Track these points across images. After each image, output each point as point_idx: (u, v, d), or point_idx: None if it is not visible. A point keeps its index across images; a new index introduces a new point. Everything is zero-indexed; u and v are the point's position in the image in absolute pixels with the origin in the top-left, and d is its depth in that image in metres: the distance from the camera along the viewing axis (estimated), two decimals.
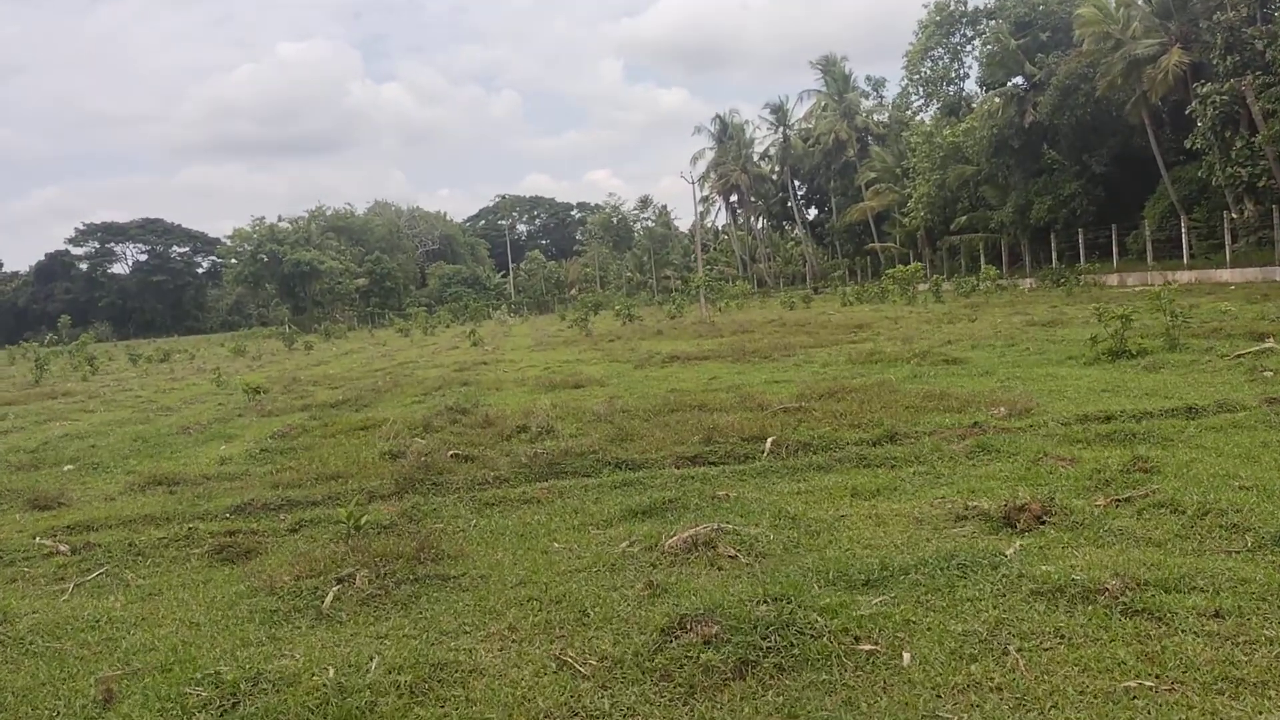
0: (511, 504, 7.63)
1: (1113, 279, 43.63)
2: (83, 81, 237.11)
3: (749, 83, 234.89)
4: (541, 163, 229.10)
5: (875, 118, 78.32)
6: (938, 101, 68.21)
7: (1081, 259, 47.77)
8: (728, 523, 6.15)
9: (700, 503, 7.08)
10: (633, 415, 11.77)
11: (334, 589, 5.45)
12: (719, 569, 5.38)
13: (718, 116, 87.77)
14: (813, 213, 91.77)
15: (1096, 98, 45.44)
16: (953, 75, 67.55)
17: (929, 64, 67.23)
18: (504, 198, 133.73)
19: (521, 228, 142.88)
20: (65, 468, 11.44)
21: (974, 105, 65.33)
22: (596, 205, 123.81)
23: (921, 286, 45.79)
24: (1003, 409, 9.92)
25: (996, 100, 53.51)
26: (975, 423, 9.21)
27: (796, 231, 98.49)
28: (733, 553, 5.56)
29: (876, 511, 6.45)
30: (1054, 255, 51.52)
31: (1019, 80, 53.75)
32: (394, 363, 28.74)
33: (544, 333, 43.38)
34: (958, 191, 59.46)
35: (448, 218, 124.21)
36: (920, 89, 69.25)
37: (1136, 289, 38.59)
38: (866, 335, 23.52)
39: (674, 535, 5.86)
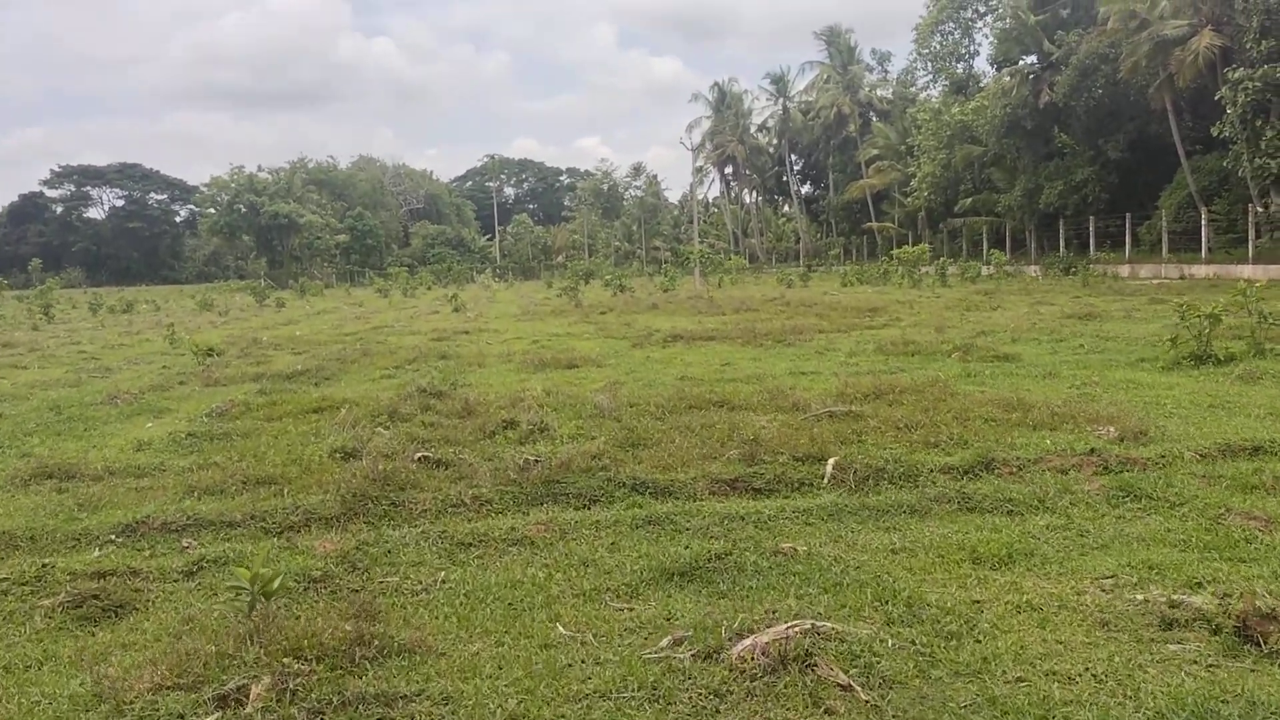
0: (495, 545, 5.59)
1: (1124, 270, 41.83)
2: (69, 20, 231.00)
3: (745, 55, 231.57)
4: (531, 126, 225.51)
5: (879, 93, 76.02)
6: (945, 78, 65.97)
7: (1092, 248, 45.91)
8: (819, 613, 4.14)
9: (760, 560, 5.07)
10: (643, 411, 9.74)
11: None
12: (828, 716, 3.36)
13: (716, 84, 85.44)
14: (808, 188, 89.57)
15: (1117, 80, 43.38)
16: (962, 52, 65.34)
17: (938, 39, 64.93)
18: (493, 158, 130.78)
19: (509, 191, 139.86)
20: None
21: (983, 84, 63.25)
22: (586, 171, 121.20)
23: (925, 269, 43.83)
24: (1111, 429, 7.94)
25: (1009, 79, 51.38)
26: (1091, 449, 7.21)
27: (789, 208, 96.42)
28: (843, 679, 3.55)
29: (1027, 598, 4.46)
30: (1062, 243, 49.64)
31: (1032, 59, 51.63)
32: (368, 326, 26.56)
33: (530, 300, 41.21)
34: (963, 172, 57.48)
35: (434, 177, 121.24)
36: (928, 64, 67.01)
37: (1154, 282, 36.81)
38: (884, 320, 21.54)
39: (745, 638, 3.84)
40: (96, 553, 5.83)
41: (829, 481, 6.71)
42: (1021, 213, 51.72)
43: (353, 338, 22.09)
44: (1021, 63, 52.73)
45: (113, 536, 6.05)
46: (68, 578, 5.17)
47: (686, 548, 5.28)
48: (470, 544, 5.60)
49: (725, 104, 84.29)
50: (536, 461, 7.59)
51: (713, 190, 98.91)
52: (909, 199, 62.68)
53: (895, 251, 46.01)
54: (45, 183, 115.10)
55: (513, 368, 15.05)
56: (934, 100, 63.05)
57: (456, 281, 67.44)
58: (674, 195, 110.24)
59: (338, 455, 7.99)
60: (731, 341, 17.75)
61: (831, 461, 6.91)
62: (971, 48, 65.15)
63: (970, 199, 56.60)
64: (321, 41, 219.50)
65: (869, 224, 70.86)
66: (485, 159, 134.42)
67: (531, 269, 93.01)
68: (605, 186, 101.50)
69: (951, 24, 64.09)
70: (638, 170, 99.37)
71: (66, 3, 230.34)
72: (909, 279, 40.61)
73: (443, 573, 5.17)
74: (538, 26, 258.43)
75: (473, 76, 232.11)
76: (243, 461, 8.05)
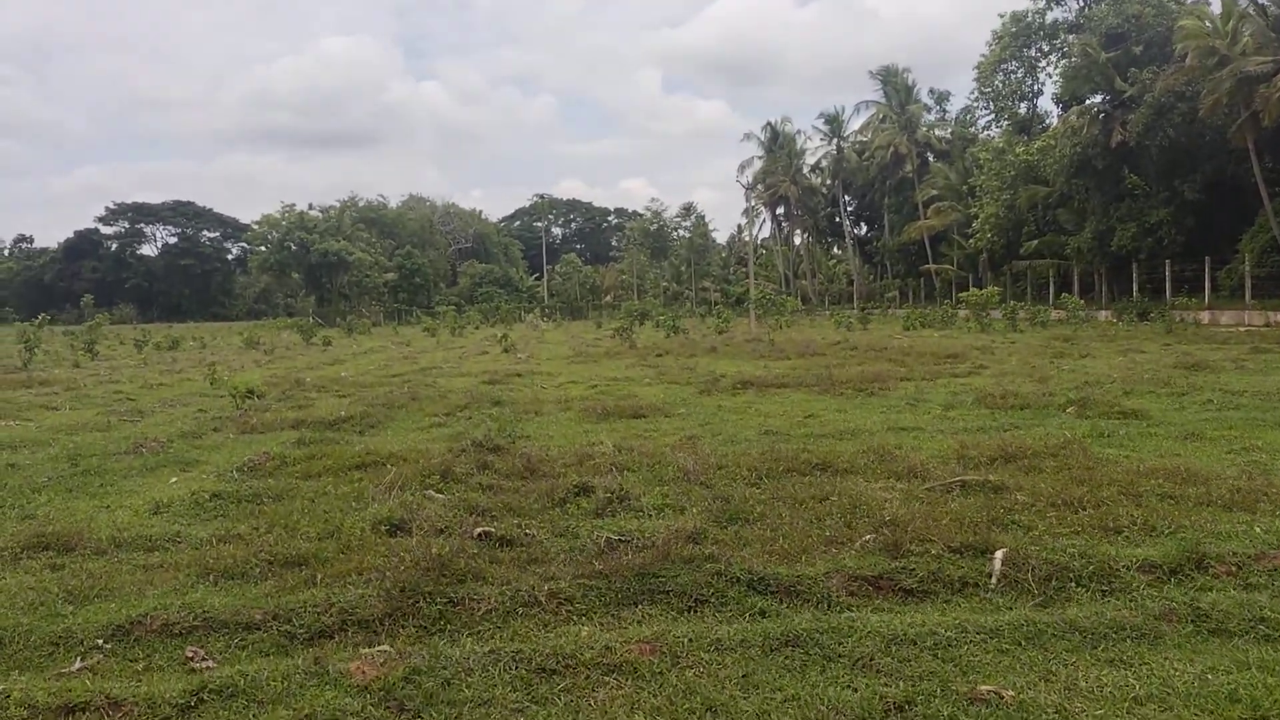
0: (587, 672, 4.23)
1: (1204, 316, 39.75)
2: (129, 64, 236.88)
3: (791, 98, 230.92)
4: (576, 168, 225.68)
5: (938, 133, 74.38)
6: (1008, 118, 64.32)
7: (1168, 292, 43.86)
8: None
9: (956, 714, 3.66)
10: (735, 475, 8.37)
11: None
12: None
13: (769, 124, 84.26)
14: (861, 229, 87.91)
15: (1194, 118, 41.57)
16: (1026, 90, 63.72)
17: (1001, 77, 63.35)
18: (542, 198, 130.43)
19: (556, 230, 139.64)
20: None
21: (1047, 123, 61.57)
22: (635, 212, 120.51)
23: (994, 313, 42.05)
24: None
25: (1078, 117, 49.66)
26: None
27: (840, 250, 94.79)
28: None
29: None
30: (1135, 287, 47.59)
31: (1103, 97, 49.91)
32: (416, 367, 25.44)
33: (581, 341, 40.03)
34: (1027, 214, 55.62)
35: (483, 216, 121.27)
36: (989, 104, 65.34)
37: (1241, 329, 34.81)
38: (968, 367, 19.99)
39: None
40: (78, 664, 4.56)
41: (998, 582, 5.28)
42: (1091, 256, 49.71)
43: (400, 379, 20.97)
44: (1090, 101, 51.04)
45: (100, 641, 4.79)
46: (24, 715, 3.89)
47: (850, 689, 3.88)
48: (553, 670, 4.23)
49: (778, 144, 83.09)
50: (621, 541, 6.26)
51: (762, 231, 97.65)
52: (970, 240, 60.82)
53: (963, 295, 44.25)
54: (100, 220, 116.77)
55: (573, 416, 13.76)
56: (997, 140, 61.31)
57: (504, 321, 66.60)
58: (720, 236, 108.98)
59: (382, 528, 6.70)
60: (807, 390, 16.33)
61: (1000, 555, 5.48)
62: (1035, 86, 63.49)
63: (1036, 241, 54.68)
64: (373, 84, 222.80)
65: (927, 266, 68.98)
66: (534, 198, 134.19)
67: (579, 309, 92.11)
68: (654, 227, 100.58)
69: (1014, 62, 62.49)
70: (688, 210, 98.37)
71: (126, 48, 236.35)
72: (978, 323, 38.86)
73: (518, 717, 3.81)
74: (583, 70, 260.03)
75: (520, 119, 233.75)
76: (270, 534, 6.78)
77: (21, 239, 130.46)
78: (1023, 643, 4.40)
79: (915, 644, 4.36)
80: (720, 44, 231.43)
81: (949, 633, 4.46)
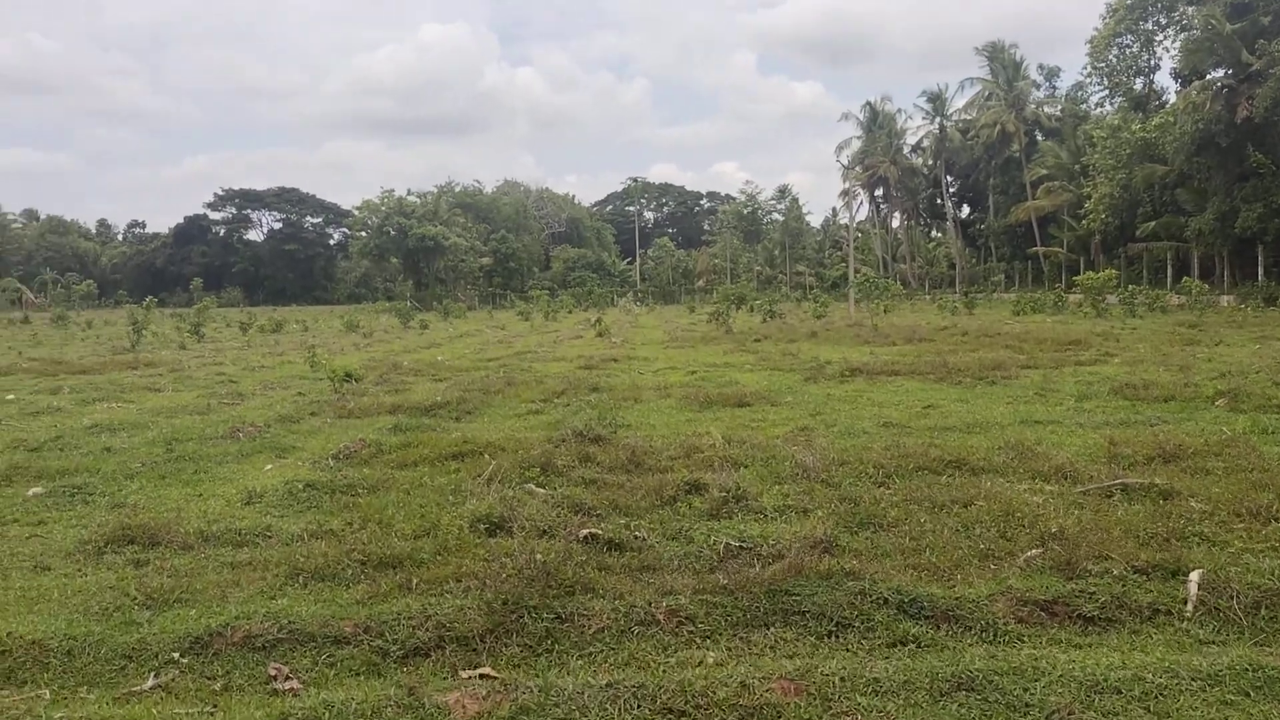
0: (720, 716, 3.60)
1: None
2: (238, 55, 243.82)
3: (889, 77, 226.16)
4: (669, 152, 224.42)
5: (1047, 110, 71.48)
6: (1122, 94, 61.34)
7: None
8: None
9: None
10: (860, 473, 7.64)
11: None
12: None
13: (868, 104, 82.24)
14: (964, 211, 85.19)
15: None
16: (1142, 65, 60.67)
17: (1115, 52, 60.40)
18: (635, 181, 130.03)
19: (648, 215, 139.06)
20: (31, 491, 7.94)
21: (1164, 99, 58.58)
22: (728, 195, 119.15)
23: (1110, 298, 40.05)
24: None
25: (1199, 93, 46.94)
26: None
27: (937, 232, 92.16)
28: None
29: None
30: (1260, 270, 44.90)
31: (1226, 71, 47.08)
32: (510, 351, 25.16)
33: (675, 325, 39.44)
34: (1143, 194, 52.97)
35: (575, 201, 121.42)
36: (1103, 79, 62.41)
37: None
38: (1093, 354, 18.76)
39: None
40: (150, 681, 4.12)
41: (1195, 609, 4.49)
42: (1213, 238, 47.05)
43: (495, 364, 20.66)
44: (1213, 75, 48.24)
45: (177, 655, 4.34)
46: None
47: None
48: (682, 712, 3.61)
49: (877, 124, 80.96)
50: (741, 548, 5.62)
51: (859, 214, 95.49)
52: (1082, 222, 58.23)
53: (1077, 279, 42.24)
54: (209, 205, 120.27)
55: (673, 404, 13.15)
56: (1111, 117, 58.47)
57: (597, 305, 66.38)
58: (814, 220, 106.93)
59: (481, 527, 6.18)
60: (921, 378, 15.42)
61: (1196, 577, 4.67)
62: (1152, 61, 60.44)
63: (1153, 223, 52.06)
64: (470, 71, 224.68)
65: (1035, 248, 66.40)
66: (628, 181, 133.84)
67: (671, 293, 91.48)
68: (748, 210, 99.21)
69: (1130, 36, 59.51)
70: (783, 192, 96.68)
71: (235, 39, 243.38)
72: (1093, 308, 37.03)
73: None
74: (677, 54, 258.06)
75: (613, 104, 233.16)
76: (364, 530, 6.33)
77: (135, 224, 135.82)
78: (1252, 693, 3.62)
79: (1120, 693, 3.61)
80: (817, 24, 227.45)
81: (1159, 678, 3.70)
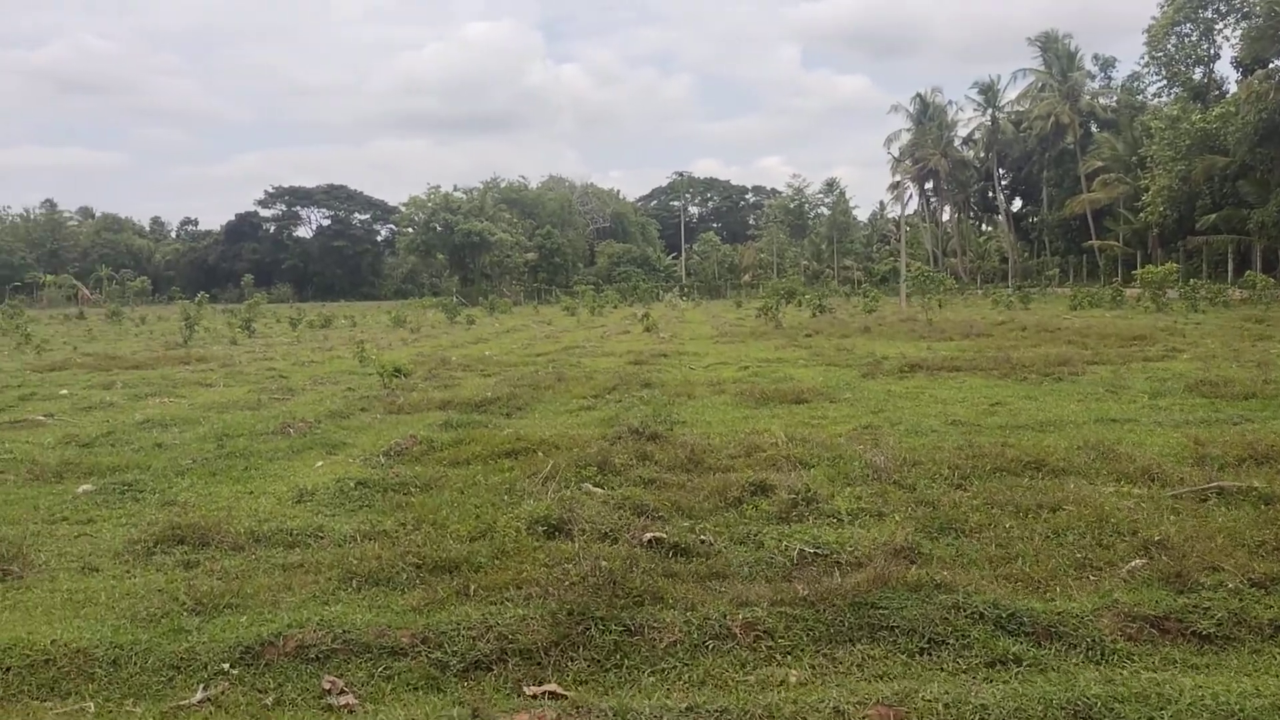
0: None
1: None
2: (285, 53, 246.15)
3: (936, 70, 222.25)
4: (712, 147, 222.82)
5: (1102, 101, 69.93)
6: (1180, 84, 59.81)
7: None
8: None
9: None
10: (934, 474, 7.27)
11: None
12: None
13: (918, 95, 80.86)
14: (1016, 204, 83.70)
15: None
16: (1201, 54, 59.09)
17: (1173, 41, 58.91)
18: (681, 176, 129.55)
19: (693, 210, 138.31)
20: (81, 488, 7.82)
21: (1225, 89, 57.03)
22: (773, 189, 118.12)
23: (1170, 292, 38.99)
24: None
25: (1262, 82, 45.58)
26: None
27: (987, 226, 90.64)
28: None
29: None
30: None
31: None
32: (558, 346, 24.96)
33: (722, 320, 39.03)
34: (1204, 185, 51.59)
35: (620, 196, 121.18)
36: (1160, 69, 60.89)
37: None
38: (1160, 350, 18.12)
39: None
40: (200, 693, 3.90)
41: None
42: (1277, 230, 45.68)
43: (544, 359, 20.45)
44: (1276, 64, 46.84)
45: (226, 665, 4.12)
46: None
47: None
48: None
49: (927, 116, 79.67)
50: (817, 554, 5.30)
51: (909, 207, 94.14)
52: (1140, 215, 56.86)
53: (1136, 272, 41.21)
54: (259, 203, 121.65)
55: (728, 400, 12.83)
56: (1169, 107, 57.03)
57: (642, 300, 66.11)
58: (860, 214, 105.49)
59: (539, 529, 5.92)
60: (985, 374, 14.93)
61: None
62: (1212, 50, 58.85)
63: (1213, 215, 50.68)
64: (514, 68, 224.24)
65: (1090, 242, 64.95)
66: (673, 176, 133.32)
67: (717, 288, 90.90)
68: (794, 204, 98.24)
69: (1189, 25, 58.00)
70: (831, 186, 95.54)
71: (282, 38, 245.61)
72: (1153, 303, 36.06)
73: None
74: (721, 49, 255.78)
75: (656, 99, 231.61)
76: (418, 531, 6.09)
77: (187, 221, 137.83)
78: None
79: None
80: (861, 17, 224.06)
81: None
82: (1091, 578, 4.77)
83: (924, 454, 8.06)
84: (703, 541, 5.64)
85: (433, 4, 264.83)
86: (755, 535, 5.83)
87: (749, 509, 6.46)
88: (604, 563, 4.83)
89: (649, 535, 5.68)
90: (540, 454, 8.45)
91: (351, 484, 7.63)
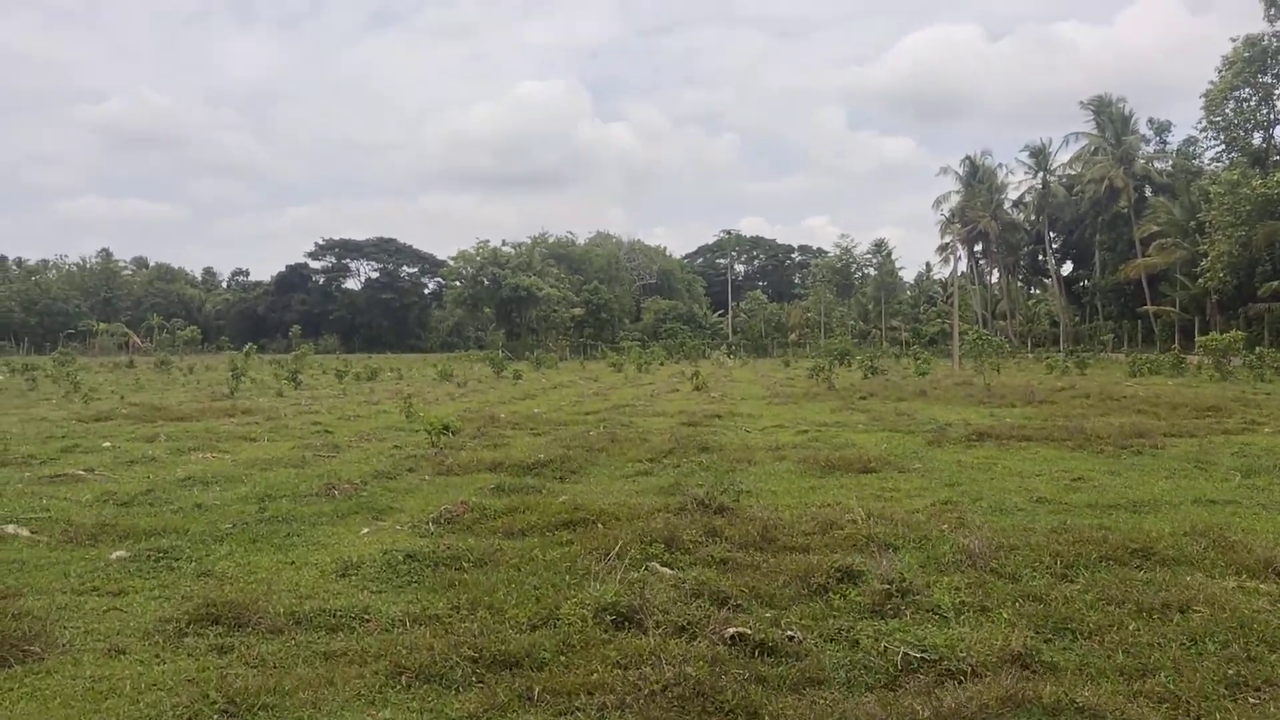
0: None
1: None
2: (339, 109, 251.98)
3: (983, 133, 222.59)
4: (758, 206, 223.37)
5: (1157, 165, 68.99)
6: (1239, 148, 58.85)
7: None
8: None
9: None
10: (1034, 561, 6.61)
11: None
12: None
13: (968, 158, 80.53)
14: (1067, 268, 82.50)
15: None
16: (1260, 119, 58.18)
17: (1232, 105, 58.09)
18: (728, 234, 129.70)
19: (739, 267, 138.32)
20: (114, 554, 7.39)
21: None
22: (819, 249, 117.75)
23: (1234, 360, 37.76)
24: None
25: None
26: None
27: (1035, 289, 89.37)
28: None
29: None
30: None
31: None
32: (608, 404, 24.46)
33: (772, 380, 38.37)
34: (1265, 251, 50.39)
35: (666, 252, 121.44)
36: (1218, 134, 59.99)
37: None
38: (1238, 422, 17.23)
39: None
40: None
41: None
42: None
43: (594, 417, 19.95)
44: None
45: None
46: None
47: None
48: None
49: (977, 178, 79.17)
50: (923, 659, 4.69)
51: (961, 267, 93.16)
52: (1199, 281, 55.62)
53: (1201, 339, 40.03)
54: (309, 255, 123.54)
55: (791, 467, 12.24)
56: (1228, 171, 56.06)
57: (689, 357, 65.63)
58: (906, 275, 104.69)
59: (607, 617, 5.36)
60: (1058, 445, 14.19)
61: None
62: (1271, 114, 57.95)
63: (1275, 282, 49.40)
64: (563, 127, 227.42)
65: (1145, 307, 63.65)
66: (721, 234, 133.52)
67: (763, 346, 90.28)
68: (841, 264, 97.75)
69: (1248, 89, 57.26)
70: (879, 246, 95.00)
71: (336, 94, 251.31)
72: (1217, 371, 34.89)
73: None
74: (766, 109, 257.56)
75: (702, 158, 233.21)
76: (473, 617, 5.55)
77: (239, 272, 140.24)
78: None
79: None
80: (908, 81, 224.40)
81: None
82: (1252, 701, 4.12)
83: (1016, 537, 7.41)
84: (790, 638, 5.06)
85: (485, 64, 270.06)
86: (848, 632, 5.23)
87: (836, 599, 5.86)
88: (689, 669, 4.26)
89: (731, 630, 5.10)
90: (600, 526, 7.93)
91: (400, 556, 7.13)
